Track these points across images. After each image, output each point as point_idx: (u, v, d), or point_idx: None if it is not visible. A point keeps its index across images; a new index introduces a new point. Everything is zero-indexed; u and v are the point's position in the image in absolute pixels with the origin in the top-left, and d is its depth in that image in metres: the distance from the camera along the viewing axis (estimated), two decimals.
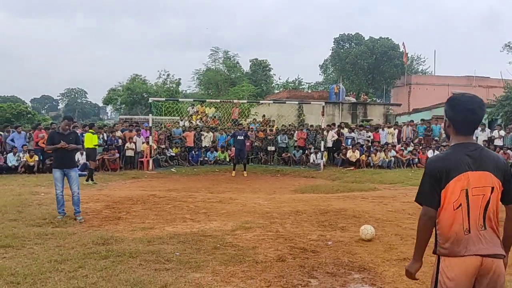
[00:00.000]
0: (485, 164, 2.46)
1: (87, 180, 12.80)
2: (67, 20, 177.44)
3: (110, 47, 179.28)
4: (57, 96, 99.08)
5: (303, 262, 5.24)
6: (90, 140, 13.17)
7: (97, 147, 13.59)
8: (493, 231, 2.46)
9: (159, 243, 5.99)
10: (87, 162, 13.83)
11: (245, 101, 25.22)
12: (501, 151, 17.66)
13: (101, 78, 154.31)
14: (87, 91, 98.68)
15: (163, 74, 41.19)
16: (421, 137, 20.61)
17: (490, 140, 19.06)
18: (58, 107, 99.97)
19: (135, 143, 17.72)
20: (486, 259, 2.39)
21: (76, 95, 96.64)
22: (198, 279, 4.55)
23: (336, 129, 20.43)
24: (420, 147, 19.00)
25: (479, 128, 19.42)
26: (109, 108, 59.56)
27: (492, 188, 2.44)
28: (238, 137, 16.30)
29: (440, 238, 2.48)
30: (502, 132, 19.13)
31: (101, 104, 65.16)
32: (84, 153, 13.96)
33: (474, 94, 2.64)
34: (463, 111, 2.51)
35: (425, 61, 52.20)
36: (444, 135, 20.57)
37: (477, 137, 19.03)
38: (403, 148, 18.92)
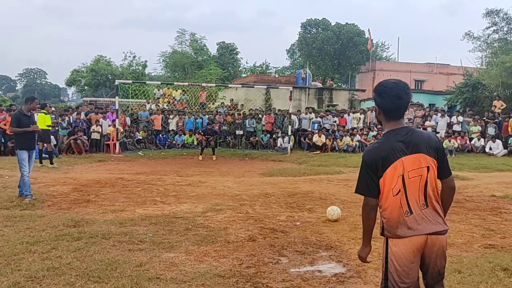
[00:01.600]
0: (417, 146, 2.59)
1: (51, 163, 12.54)
2: None
3: (70, 26, 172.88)
4: (15, 77, 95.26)
5: (273, 241, 5.45)
6: (43, 120, 12.47)
7: (50, 128, 13.06)
8: (434, 208, 2.61)
9: (131, 225, 6.06)
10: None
11: (214, 84, 25.13)
12: (459, 136, 18.50)
13: (61, 59, 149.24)
14: (46, 71, 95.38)
15: (129, 56, 40.37)
16: None
17: (449, 126, 19.89)
18: (16, 88, 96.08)
19: (101, 126, 17.43)
20: (430, 236, 2.56)
21: (35, 75, 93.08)
22: (172, 259, 4.67)
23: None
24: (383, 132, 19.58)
25: (439, 114, 20.24)
26: (71, 90, 57.82)
27: (428, 167, 2.59)
28: (206, 136, 16.70)
29: (385, 222, 2.64)
30: (461, 118, 19.99)
31: (61, 85, 63.32)
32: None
33: (399, 79, 2.73)
34: (389, 97, 2.62)
35: (388, 47, 53.42)
36: (405, 120, 21.28)
37: (437, 123, 19.86)
38: (366, 133, 19.46)
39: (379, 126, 20.33)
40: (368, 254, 2.82)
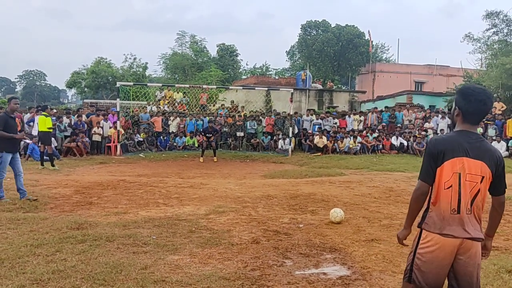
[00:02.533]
0: (482, 154, 2.64)
1: (52, 165, 12.52)
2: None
3: (70, 28, 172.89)
4: (15, 79, 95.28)
5: (277, 244, 5.45)
6: (44, 123, 12.52)
7: (51, 130, 13.04)
8: (477, 216, 2.67)
9: (135, 227, 6.05)
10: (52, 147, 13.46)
11: (215, 86, 25.15)
12: None
13: (61, 60, 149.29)
14: (46, 73, 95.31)
15: (130, 58, 40.39)
16: (385, 123, 21.25)
17: (449, 127, 19.88)
18: (16, 90, 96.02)
19: (102, 127, 17.43)
20: (466, 240, 2.60)
21: (35, 77, 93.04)
22: (176, 261, 4.67)
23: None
24: (384, 134, 19.61)
25: (440, 116, 20.27)
26: (71, 92, 57.80)
27: (483, 177, 2.63)
28: (207, 135, 16.58)
29: (429, 214, 2.69)
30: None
31: (61, 87, 63.30)
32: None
33: (484, 86, 2.83)
34: (476, 102, 2.66)
35: (388, 49, 53.36)
36: (406, 122, 21.32)
37: (437, 124, 19.88)
38: (368, 134, 19.47)
39: (380, 127, 20.36)
40: (406, 236, 2.87)
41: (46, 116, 12.77)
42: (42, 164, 12.57)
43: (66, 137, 16.58)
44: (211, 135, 16.70)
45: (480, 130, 18.84)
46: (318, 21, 45.62)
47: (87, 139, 16.75)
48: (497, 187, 2.72)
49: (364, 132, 19.91)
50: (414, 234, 2.83)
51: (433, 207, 2.68)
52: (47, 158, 12.78)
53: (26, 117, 16.08)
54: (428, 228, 2.66)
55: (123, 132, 17.85)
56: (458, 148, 2.62)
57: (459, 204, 2.61)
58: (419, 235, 2.72)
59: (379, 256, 4.95)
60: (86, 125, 17.39)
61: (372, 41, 40.40)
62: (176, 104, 23.35)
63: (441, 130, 19.24)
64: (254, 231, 6.05)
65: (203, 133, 17.08)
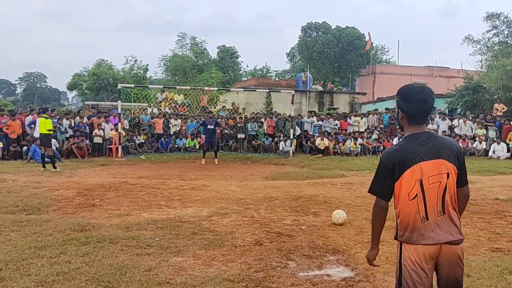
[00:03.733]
0: (439, 152, 2.56)
1: (54, 167, 12.51)
2: (24, 1, 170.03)
3: (70, 30, 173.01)
4: (15, 81, 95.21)
5: (280, 245, 5.46)
6: (44, 125, 12.48)
7: (51, 132, 13.03)
8: (450, 216, 2.57)
9: (138, 229, 6.06)
10: (54, 149, 13.47)
11: (216, 88, 25.17)
12: (461, 139, 18.53)
13: (61, 62, 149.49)
14: (46, 75, 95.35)
15: (131, 60, 40.36)
16: (385, 125, 21.28)
17: (450, 129, 19.93)
18: (16, 92, 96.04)
19: (103, 129, 17.45)
20: (444, 245, 2.53)
21: (35, 79, 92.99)
22: (180, 263, 4.68)
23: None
24: (385, 135, 19.62)
25: (440, 117, 20.29)
26: (72, 94, 57.82)
27: (448, 174, 2.56)
28: (209, 126, 16.16)
29: (399, 226, 2.62)
30: (461, 121, 20.02)
31: (61, 89, 63.33)
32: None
33: (424, 85, 2.73)
34: (416, 102, 2.60)
35: (388, 51, 53.42)
36: None
37: (438, 126, 19.90)
38: (368, 136, 19.49)
39: (380, 129, 20.39)
40: (376, 256, 2.80)
41: (46, 118, 12.77)
42: (43, 166, 12.58)
43: (66, 138, 16.60)
44: (212, 126, 16.18)
45: (483, 131, 18.87)
46: (318, 22, 45.68)
47: (87, 141, 16.74)
48: (462, 178, 2.65)
49: (365, 133, 19.94)
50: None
51: (401, 219, 2.60)
52: (49, 160, 12.78)
53: (28, 119, 16.10)
54: (405, 240, 2.58)
55: (124, 134, 17.84)
56: (412, 155, 2.54)
57: (426, 211, 2.53)
58: (399, 247, 2.63)
59: (382, 257, 4.95)
60: (87, 127, 17.41)
61: (372, 43, 40.40)
62: (177, 106, 23.38)
63: (443, 131, 19.26)
64: (257, 232, 6.06)
65: (202, 125, 16.73)
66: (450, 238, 2.54)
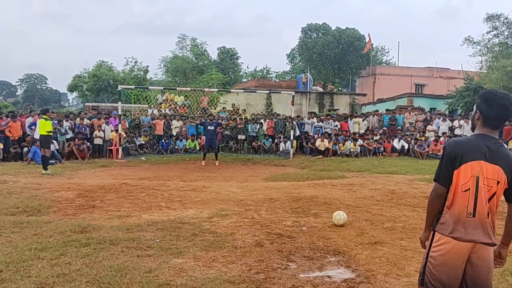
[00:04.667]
0: (500, 159, 2.63)
1: (45, 169, 12.36)
2: (24, 3, 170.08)
3: (70, 32, 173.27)
4: (16, 82, 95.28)
5: (280, 247, 5.45)
6: (44, 126, 12.42)
7: (51, 134, 12.99)
8: (491, 221, 2.68)
9: (138, 230, 6.06)
10: (54, 151, 13.47)
11: (216, 90, 25.19)
12: None
13: (61, 64, 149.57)
14: (47, 77, 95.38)
15: (131, 61, 40.38)
16: (386, 126, 21.26)
17: (450, 130, 19.91)
18: (17, 93, 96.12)
19: (103, 131, 17.45)
20: (479, 244, 2.61)
21: (36, 81, 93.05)
22: (181, 264, 4.67)
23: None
24: (386, 136, 19.61)
25: (441, 118, 20.29)
26: (72, 95, 57.79)
27: (498, 182, 2.62)
28: (209, 127, 16.17)
29: (443, 216, 2.69)
30: (462, 122, 20.01)
31: (62, 91, 63.35)
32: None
33: (507, 92, 2.80)
34: (497, 107, 2.65)
35: (388, 52, 53.44)
36: (407, 125, 21.34)
37: (439, 127, 19.89)
38: (369, 137, 19.47)
39: (381, 131, 20.36)
40: (426, 238, 2.86)
41: (46, 119, 12.75)
42: (44, 168, 12.55)
43: (67, 140, 16.59)
44: (212, 127, 16.17)
45: None
46: (318, 24, 45.72)
47: (88, 143, 16.74)
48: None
49: (368, 134, 19.91)
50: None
51: (448, 209, 2.68)
52: (52, 161, 12.74)
53: (28, 120, 16.10)
54: (441, 231, 2.66)
55: (124, 135, 17.83)
56: (477, 151, 2.62)
57: (475, 208, 2.61)
58: (432, 237, 2.73)
59: (383, 259, 4.95)
60: (88, 128, 17.41)
61: (372, 44, 40.41)
62: (178, 107, 23.39)
63: (443, 133, 19.24)
64: (258, 234, 6.05)
65: (201, 126, 16.69)
66: (487, 240, 2.64)
